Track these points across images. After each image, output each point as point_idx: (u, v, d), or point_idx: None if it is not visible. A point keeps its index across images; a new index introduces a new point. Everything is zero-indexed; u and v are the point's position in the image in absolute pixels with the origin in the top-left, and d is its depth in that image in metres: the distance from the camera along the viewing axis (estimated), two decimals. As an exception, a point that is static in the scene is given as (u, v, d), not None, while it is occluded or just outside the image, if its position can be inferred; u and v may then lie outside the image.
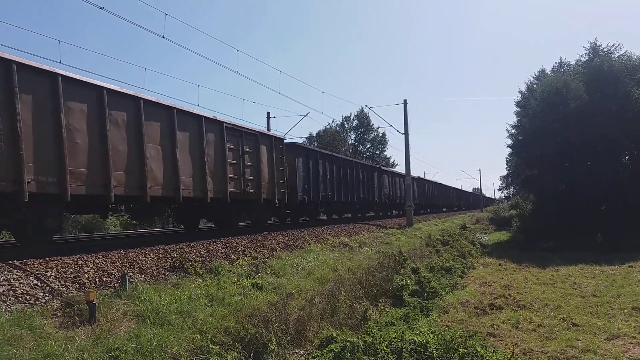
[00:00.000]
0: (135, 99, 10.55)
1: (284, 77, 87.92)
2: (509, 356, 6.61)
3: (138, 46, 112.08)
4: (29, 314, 5.76)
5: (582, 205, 28.88)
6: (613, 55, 31.66)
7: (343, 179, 25.44)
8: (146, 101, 10.83)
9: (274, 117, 32.09)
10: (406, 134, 31.33)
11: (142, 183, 10.52)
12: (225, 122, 14.06)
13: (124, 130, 10.21)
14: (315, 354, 6.81)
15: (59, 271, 7.31)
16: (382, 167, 37.22)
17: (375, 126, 75.17)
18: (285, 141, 18.63)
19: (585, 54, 33.26)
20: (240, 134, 14.81)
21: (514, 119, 36.92)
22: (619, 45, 32.24)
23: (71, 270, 7.49)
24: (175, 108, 11.80)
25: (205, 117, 13.05)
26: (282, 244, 13.95)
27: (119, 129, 10.06)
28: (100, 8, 13.47)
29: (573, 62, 35.10)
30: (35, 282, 6.76)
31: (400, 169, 50.11)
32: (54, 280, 7.01)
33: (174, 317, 6.79)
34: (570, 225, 27.89)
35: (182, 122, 11.94)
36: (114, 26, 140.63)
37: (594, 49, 32.60)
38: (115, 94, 10.04)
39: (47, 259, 7.72)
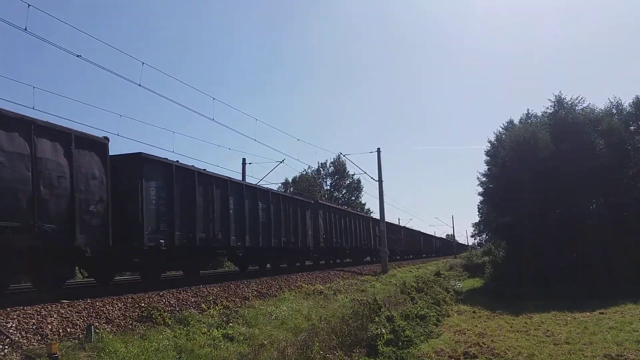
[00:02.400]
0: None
1: (259, 125, 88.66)
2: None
3: (115, 94, 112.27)
4: (-14, 369, 5.49)
5: (553, 252, 29.35)
6: (577, 108, 33.20)
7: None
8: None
9: (250, 163, 32.10)
10: (380, 181, 31.70)
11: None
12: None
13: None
14: (287, 408, 6.61)
15: (21, 322, 7.02)
16: (357, 213, 37.36)
17: (351, 173, 75.90)
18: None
19: (550, 105, 34.78)
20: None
21: (484, 168, 37.86)
22: (582, 98, 33.87)
23: (34, 320, 7.20)
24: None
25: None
26: (255, 292, 13.71)
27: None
28: (78, 56, 13.58)
29: (539, 114, 36.52)
30: (-6, 334, 6.47)
31: (375, 215, 50.36)
32: (15, 332, 6.71)
33: (140, 370, 6.55)
34: (542, 272, 28.22)
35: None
36: (90, 74, 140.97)
37: (559, 101, 34.10)
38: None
39: (8, 308, 7.42)
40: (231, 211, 16.00)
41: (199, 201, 14.15)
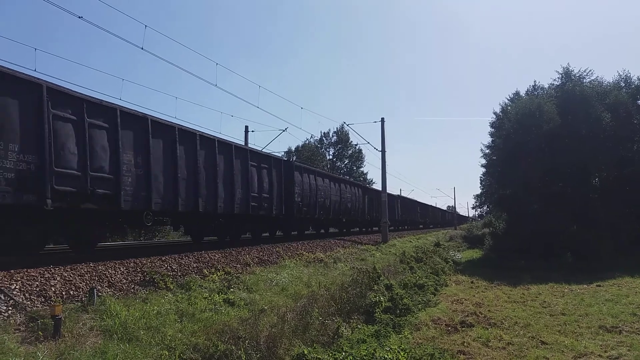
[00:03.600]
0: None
1: (263, 92, 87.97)
2: (477, 374, 6.66)
3: (116, 56, 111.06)
4: (-10, 328, 5.60)
5: (553, 225, 29.43)
6: (584, 81, 32.75)
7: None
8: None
9: (253, 131, 31.97)
10: (383, 151, 31.60)
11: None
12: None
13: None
14: (286, 372, 6.76)
15: (24, 284, 7.13)
16: (358, 183, 37.38)
17: (354, 143, 75.67)
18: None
19: (558, 78, 34.30)
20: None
21: (488, 140, 37.70)
22: (590, 71, 33.40)
23: (37, 283, 7.31)
24: None
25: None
26: (257, 259, 13.86)
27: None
28: (79, 17, 13.38)
29: (546, 86, 36.11)
30: (-2, 295, 6.58)
31: (377, 186, 50.41)
32: (18, 294, 6.82)
33: (142, 332, 6.67)
34: (541, 245, 28.38)
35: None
36: (91, 36, 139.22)
37: (567, 74, 33.62)
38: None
39: (11, 270, 7.52)
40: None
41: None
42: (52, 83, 9.62)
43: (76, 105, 10.02)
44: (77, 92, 10.27)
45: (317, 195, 24.12)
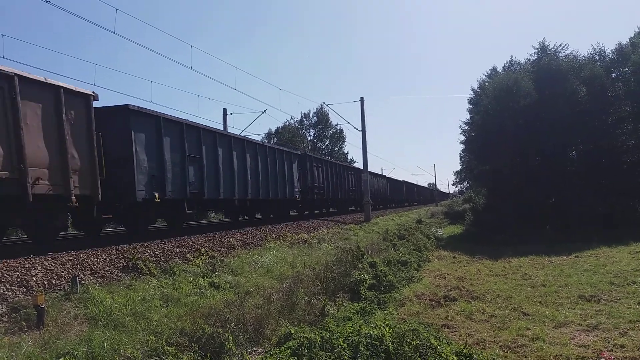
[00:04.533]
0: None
1: (240, 74, 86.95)
2: (462, 347, 6.77)
3: (88, 42, 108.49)
4: (-28, 321, 5.50)
5: (532, 198, 29.96)
6: (560, 55, 33.12)
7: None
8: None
9: (231, 113, 31.76)
10: (363, 130, 31.58)
11: None
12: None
13: None
14: (273, 352, 6.78)
15: (4, 274, 7.00)
16: (338, 163, 37.43)
17: (334, 123, 75.57)
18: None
19: (534, 53, 34.66)
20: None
21: (466, 116, 37.99)
22: (565, 45, 33.84)
23: (17, 273, 7.19)
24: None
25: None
26: (240, 242, 13.84)
27: None
28: (47, 1, 12.96)
29: (523, 61, 36.41)
30: (-22, 286, 6.46)
31: (358, 165, 50.52)
32: (-1, 285, 6.71)
33: (127, 319, 6.64)
34: (520, 218, 28.90)
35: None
36: (61, 21, 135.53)
37: (542, 49, 33.92)
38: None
39: (-9, 262, 7.39)
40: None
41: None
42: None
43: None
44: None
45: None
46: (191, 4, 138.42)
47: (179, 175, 13.63)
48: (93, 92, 10.51)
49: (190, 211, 14.51)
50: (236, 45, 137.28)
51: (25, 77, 8.83)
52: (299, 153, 25.89)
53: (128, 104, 11.85)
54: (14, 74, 8.57)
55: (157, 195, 12.40)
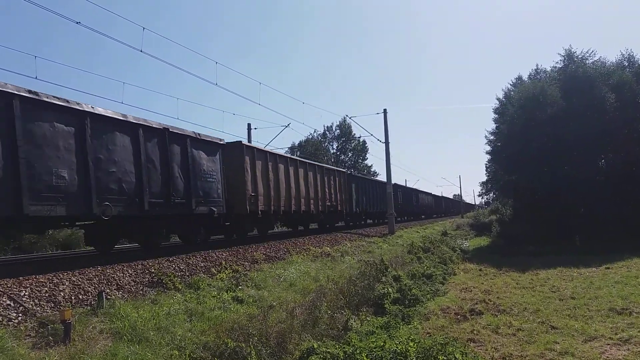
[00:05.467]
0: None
1: (264, 89, 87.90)
2: (487, 362, 6.67)
3: (116, 60, 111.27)
4: (1, 335, 5.65)
5: (560, 209, 29.34)
6: (587, 62, 32.50)
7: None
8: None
9: (255, 128, 32.10)
10: (387, 142, 31.51)
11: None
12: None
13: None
14: (296, 366, 6.79)
15: (33, 290, 7.18)
16: (362, 176, 37.38)
17: (357, 135, 75.59)
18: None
19: (560, 60, 34.09)
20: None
21: (492, 126, 37.55)
22: (592, 51, 33.16)
23: (46, 289, 7.36)
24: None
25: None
26: (264, 256, 13.89)
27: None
28: (77, 23, 13.44)
29: (549, 69, 35.89)
30: (8, 302, 6.63)
31: (382, 177, 50.31)
32: (28, 300, 6.88)
33: (152, 333, 6.71)
34: (548, 229, 28.31)
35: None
36: (90, 40, 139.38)
37: (569, 56, 33.36)
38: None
39: (20, 277, 7.58)
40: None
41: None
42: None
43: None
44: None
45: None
46: (217, 22, 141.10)
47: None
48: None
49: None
50: (259, 60, 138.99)
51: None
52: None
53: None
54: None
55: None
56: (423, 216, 62.34)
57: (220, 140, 14.58)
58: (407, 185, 57.79)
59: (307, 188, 21.06)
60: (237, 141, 16.10)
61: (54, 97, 9.21)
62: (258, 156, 16.59)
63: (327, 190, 23.82)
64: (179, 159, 12.45)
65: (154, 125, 11.59)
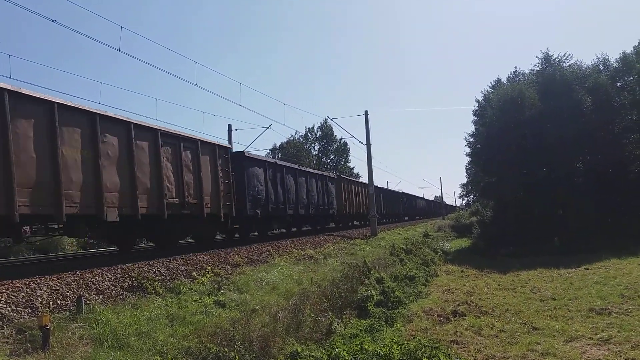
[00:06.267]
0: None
1: (244, 90, 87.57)
2: (471, 363, 6.69)
3: (93, 60, 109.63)
4: (-23, 343, 5.48)
5: (539, 210, 29.75)
6: (564, 65, 33.13)
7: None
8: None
9: (236, 129, 31.90)
10: (368, 144, 31.52)
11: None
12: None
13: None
14: (280, 371, 6.72)
15: (10, 295, 6.99)
16: (343, 176, 37.37)
17: (338, 137, 75.64)
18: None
19: (538, 63, 34.71)
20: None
21: (472, 128, 37.92)
22: (569, 55, 33.89)
23: (23, 294, 7.17)
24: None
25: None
26: (246, 259, 13.77)
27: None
28: (52, 21, 13.19)
29: (527, 72, 36.42)
30: (-17, 308, 6.44)
31: (364, 179, 50.42)
32: (4, 306, 6.69)
33: (132, 339, 6.58)
34: (528, 231, 28.68)
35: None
36: (66, 39, 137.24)
37: (546, 59, 33.99)
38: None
39: (-4, 283, 7.38)
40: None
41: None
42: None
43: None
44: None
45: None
46: (195, 20, 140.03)
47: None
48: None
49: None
50: (240, 60, 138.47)
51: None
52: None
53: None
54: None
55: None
56: (406, 217, 62.77)
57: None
58: (389, 188, 58.02)
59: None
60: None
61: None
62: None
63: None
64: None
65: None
